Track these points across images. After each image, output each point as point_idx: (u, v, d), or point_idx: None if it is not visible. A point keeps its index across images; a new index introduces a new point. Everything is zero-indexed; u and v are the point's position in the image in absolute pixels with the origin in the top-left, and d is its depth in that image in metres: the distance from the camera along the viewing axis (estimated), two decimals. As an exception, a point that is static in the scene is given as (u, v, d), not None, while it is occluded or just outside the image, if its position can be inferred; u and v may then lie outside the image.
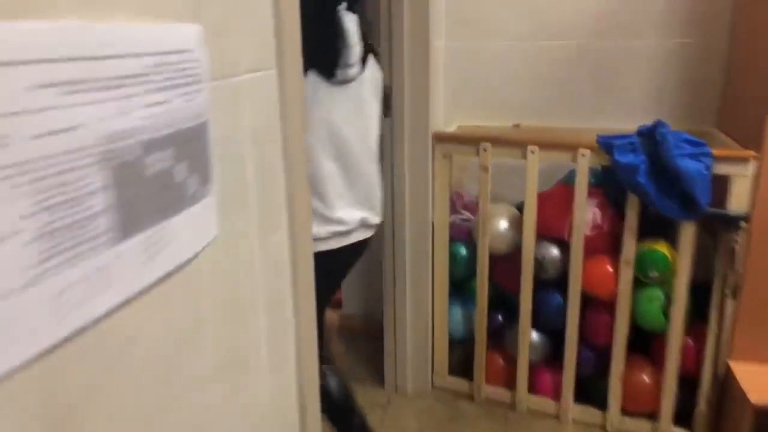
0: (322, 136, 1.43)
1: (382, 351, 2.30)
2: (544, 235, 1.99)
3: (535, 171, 1.93)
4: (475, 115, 2.31)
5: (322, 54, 1.38)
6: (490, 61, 2.26)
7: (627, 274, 1.88)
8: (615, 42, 2.13)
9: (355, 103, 1.47)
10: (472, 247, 2.15)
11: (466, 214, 2.21)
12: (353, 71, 1.42)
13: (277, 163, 0.76)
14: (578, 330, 1.98)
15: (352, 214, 1.49)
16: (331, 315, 2.94)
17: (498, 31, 2.23)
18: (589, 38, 2.14)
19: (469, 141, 2.03)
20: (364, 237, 1.55)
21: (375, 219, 1.57)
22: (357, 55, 1.42)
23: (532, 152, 1.91)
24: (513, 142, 1.96)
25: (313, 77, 1.38)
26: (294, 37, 0.88)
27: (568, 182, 2.06)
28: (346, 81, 1.43)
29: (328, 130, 1.43)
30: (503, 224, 2.07)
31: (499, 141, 1.97)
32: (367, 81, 1.49)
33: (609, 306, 1.94)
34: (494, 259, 2.09)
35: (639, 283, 1.90)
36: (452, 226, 2.15)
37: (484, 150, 1.97)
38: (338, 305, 2.92)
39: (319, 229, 1.44)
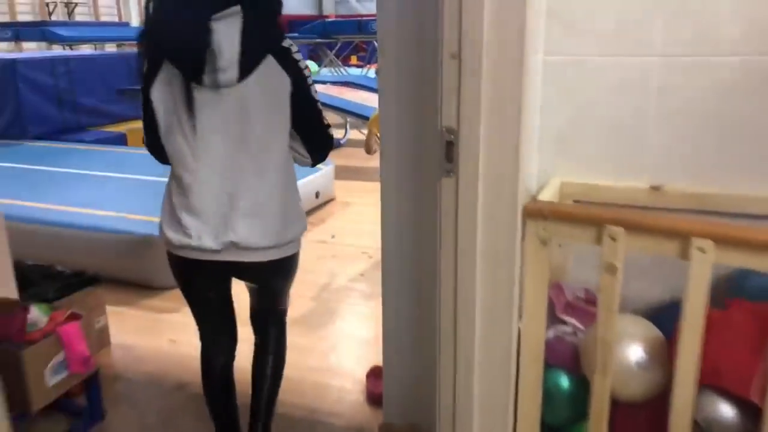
0: (192, 138, 1.47)
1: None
2: (711, 383, 1.19)
3: (705, 280, 1.13)
4: (589, 168, 1.51)
5: (185, 58, 1.41)
6: (616, 85, 1.45)
7: None
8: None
9: (234, 111, 1.45)
10: (580, 378, 1.38)
11: (571, 323, 1.44)
12: (226, 76, 1.41)
13: None
14: None
15: (191, 224, 1.51)
16: (369, 419, 2.22)
17: (629, 41, 1.43)
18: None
19: (586, 221, 1.24)
20: (202, 258, 1.53)
21: (208, 242, 1.50)
22: (228, 59, 1.39)
23: (702, 250, 1.11)
24: (666, 231, 1.16)
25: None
26: None
27: (743, 293, 1.26)
28: (219, 86, 1.42)
29: (198, 135, 1.46)
30: (636, 354, 1.28)
31: (639, 226, 1.18)
32: (255, 86, 1.45)
33: None
34: (617, 403, 1.31)
35: None
36: (549, 345, 1.38)
37: (613, 239, 1.19)
38: (377, 401, 2.20)
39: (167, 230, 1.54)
